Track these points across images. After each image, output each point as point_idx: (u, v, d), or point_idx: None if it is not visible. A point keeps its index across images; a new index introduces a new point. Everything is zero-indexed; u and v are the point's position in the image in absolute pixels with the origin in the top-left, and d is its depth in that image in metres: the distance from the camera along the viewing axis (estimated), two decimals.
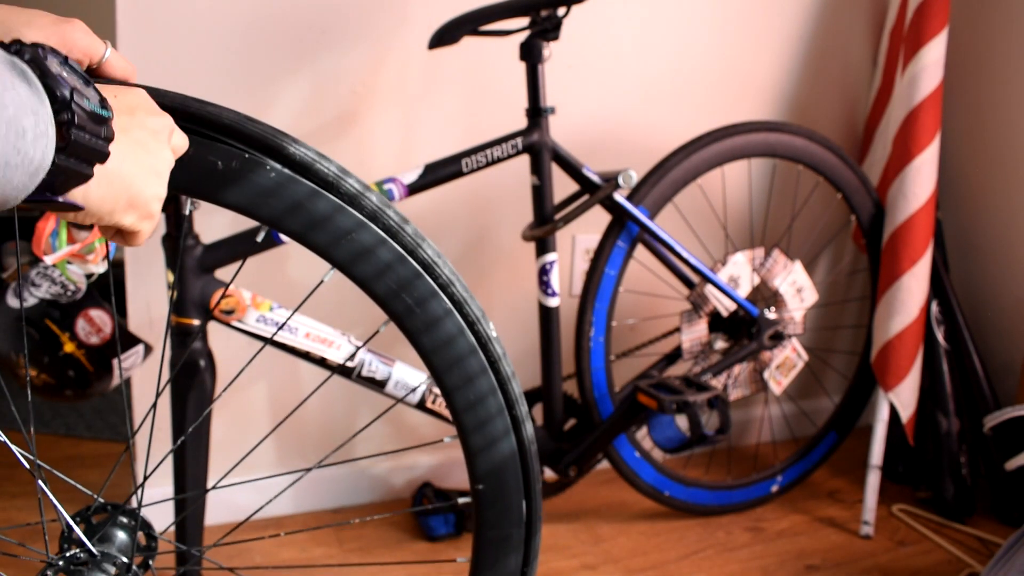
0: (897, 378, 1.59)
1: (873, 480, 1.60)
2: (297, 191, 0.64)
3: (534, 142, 1.33)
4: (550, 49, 1.32)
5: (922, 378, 1.66)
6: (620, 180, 1.36)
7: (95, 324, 1.21)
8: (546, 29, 1.30)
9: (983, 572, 1.16)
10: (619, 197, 1.39)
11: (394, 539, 1.53)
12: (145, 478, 0.73)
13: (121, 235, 0.55)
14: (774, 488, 1.70)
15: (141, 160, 0.52)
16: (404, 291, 0.68)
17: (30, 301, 1.17)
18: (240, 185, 0.63)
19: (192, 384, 1.19)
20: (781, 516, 1.67)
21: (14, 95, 0.40)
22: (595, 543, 1.54)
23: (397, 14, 1.46)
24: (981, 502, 1.69)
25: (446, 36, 1.29)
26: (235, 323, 1.18)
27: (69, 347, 1.20)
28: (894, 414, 1.63)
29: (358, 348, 1.20)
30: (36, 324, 1.19)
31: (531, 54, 1.32)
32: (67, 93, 0.44)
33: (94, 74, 0.61)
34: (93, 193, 0.49)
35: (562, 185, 1.43)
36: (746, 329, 1.53)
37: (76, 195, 0.48)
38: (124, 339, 1.25)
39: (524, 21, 1.33)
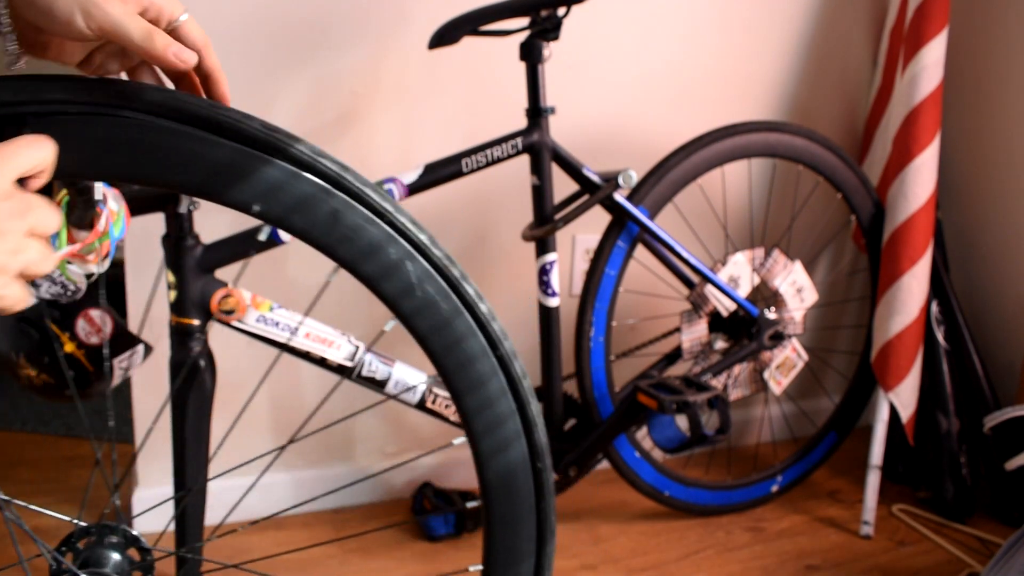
0: (897, 378, 1.59)
1: (873, 480, 1.60)
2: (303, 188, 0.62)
3: (534, 142, 1.33)
4: (550, 49, 1.32)
5: (922, 378, 1.66)
6: (620, 180, 1.36)
7: (95, 324, 1.21)
8: (546, 29, 1.30)
9: (983, 572, 1.16)
10: (619, 197, 1.39)
11: (394, 539, 1.53)
12: (117, 486, 0.72)
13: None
14: (774, 488, 1.70)
15: None
16: (415, 291, 0.67)
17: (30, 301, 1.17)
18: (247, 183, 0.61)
19: (192, 385, 1.19)
20: (781, 516, 1.67)
21: None
22: (595, 543, 1.54)
23: (397, 14, 1.46)
24: (981, 502, 1.69)
25: (446, 36, 1.29)
26: (235, 323, 1.18)
27: (69, 347, 1.19)
28: (894, 414, 1.63)
29: (362, 348, 1.20)
30: (36, 324, 1.19)
31: (531, 54, 1.32)
32: None
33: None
34: None
35: (562, 185, 1.43)
36: (746, 329, 1.53)
37: None
38: (124, 339, 1.24)
39: (524, 21, 1.33)
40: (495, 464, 0.70)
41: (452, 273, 0.68)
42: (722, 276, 1.50)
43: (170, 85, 0.64)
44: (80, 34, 0.54)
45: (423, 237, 0.67)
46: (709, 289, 1.50)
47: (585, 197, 1.39)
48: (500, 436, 0.70)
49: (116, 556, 0.70)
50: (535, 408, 0.71)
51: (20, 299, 0.53)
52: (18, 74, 0.57)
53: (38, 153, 0.54)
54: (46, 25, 0.54)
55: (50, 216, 0.54)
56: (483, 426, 0.69)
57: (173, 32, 0.59)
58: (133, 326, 1.44)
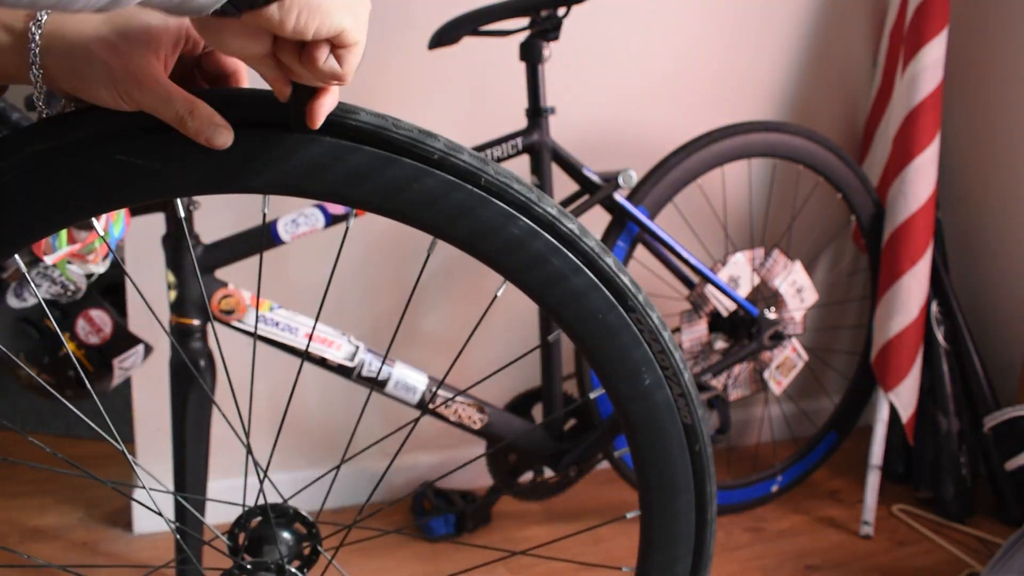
0: (897, 378, 1.59)
1: (873, 480, 1.60)
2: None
3: (534, 142, 1.33)
4: (550, 49, 1.32)
5: (922, 378, 1.66)
6: (620, 180, 1.36)
7: (95, 324, 1.21)
8: (546, 29, 1.31)
9: (983, 572, 1.16)
10: (619, 197, 1.39)
11: (394, 539, 1.53)
12: (267, 468, 0.74)
13: (330, 55, 0.49)
14: (774, 488, 1.70)
15: None
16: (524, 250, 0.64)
17: (30, 301, 1.17)
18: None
19: (192, 384, 1.19)
20: (781, 516, 1.67)
21: None
22: (595, 543, 1.54)
23: (397, 14, 1.46)
24: (981, 502, 1.69)
25: (446, 36, 1.29)
26: (235, 323, 1.18)
27: (69, 347, 1.19)
28: (894, 414, 1.63)
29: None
30: (36, 324, 1.19)
31: (531, 54, 1.32)
32: None
33: (209, 66, 0.60)
34: None
35: (562, 185, 1.43)
36: (746, 329, 1.53)
37: None
38: (124, 339, 1.24)
39: (524, 21, 1.33)
40: (635, 407, 0.69)
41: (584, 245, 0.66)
42: (722, 276, 1.50)
43: None
44: (115, 105, 0.53)
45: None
46: (709, 289, 1.50)
47: (585, 197, 1.39)
48: (638, 383, 0.68)
49: (285, 533, 0.75)
50: (677, 356, 0.69)
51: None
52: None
53: None
54: (89, 96, 0.53)
55: None
56: (618, 374, 0.68)
57: (209, 56, 0.60)
58: (133, 326, 1.44)
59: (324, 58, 0.49)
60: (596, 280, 0.64)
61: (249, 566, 0.72)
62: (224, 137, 0.54)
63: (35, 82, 0.52)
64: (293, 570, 0.74)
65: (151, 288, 1.43)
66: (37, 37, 0.51)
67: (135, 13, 0.53)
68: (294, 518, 0.77)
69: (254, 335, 0.78)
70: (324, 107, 0.54)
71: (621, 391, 0.68)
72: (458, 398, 1.30)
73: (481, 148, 1.29)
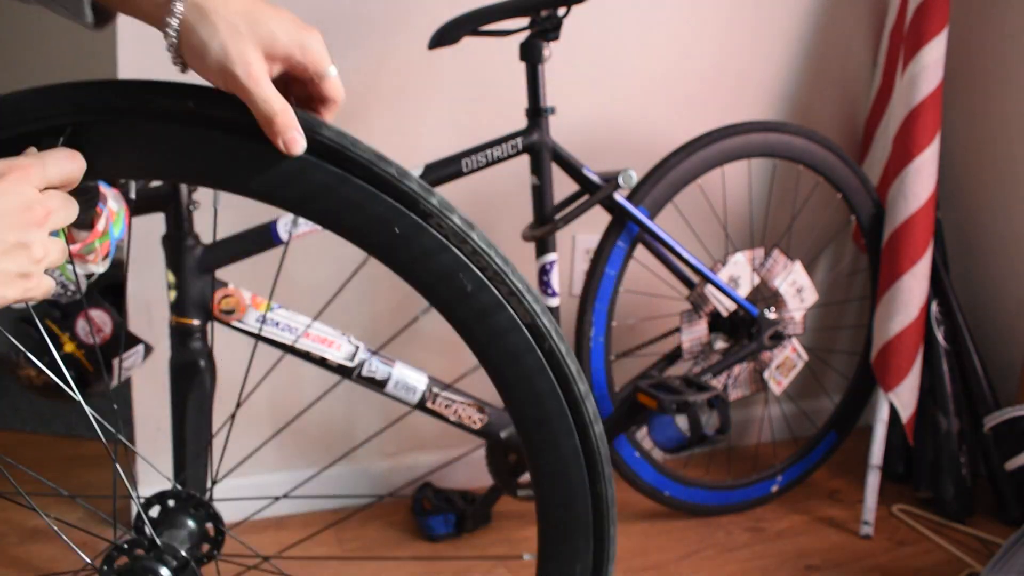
0: (897, 378, 1.59)
1: (873, 480, 1.60)
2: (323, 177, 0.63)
3: (534, 142, 1.33)
4: (550, 49, 1.32)
5: (922, 378, 1.66)
6: (620, 180, 1.36)
7: (95, 324, 1.21)
8: (546, 29, 1.30)
9: (983, 572, 1.16)
10: (619, 197, 1.39)
11: (394, 539, 1.53)
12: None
13: None
14: (774, 488, 1.70)
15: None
16: (453, 279, 0.64)
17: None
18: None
19: (192, 384, 1.19)
20: (781, 516, 1.67)
21: None
22: None
23: (398, 14, 1.46)
24: (981, 502, 1.69)
25: (446, 36, 1.29)
26: (235, 323, 1.18)
27: (69, 347, 1.19)
28: (894, 414, 1.63)
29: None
30: (36, 324, 1.19)
31: (531, 54, 1.32)
32: None
33: (309, 90, 0.63)
34: None
35: (562, 185, 1.43)
36: (746, 329, 1.53)
37: None
38: (124, 339, 1.24)
39: (524, 21, 1.33)
40: (460, 313, 0.67)
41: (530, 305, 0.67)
42: (722, 276, 1.50)
43: None
44: (220, 85, 0.59)
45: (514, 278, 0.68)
46: (709, 289, 1.50)
47: (585, 197, 1.39)
48: (548, 431, 0.67)
49: (192, 526, 0.76)
50: (591, 406, 0.68)
51: (47, 289, 0.57)
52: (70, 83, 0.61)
53: (68, 166, 0.57)
54: (199, 69, 0.59)
55: (67, 212, 0.57)
56: (533, 419, 0.67)
57: (315, 85, 0.63)
58: (134, 326, 1.44)
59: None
60: (374, 190, 0.63)
61: (125, 545, 0.73)
62: (301, 144, 0.61)
63: (171, 33, 0.58)
64: (161, 541, 0.73)
65: (152, 288, 1.43)
66: None
67: (267, 18, 0.58)
68: (187, 501, 0.76)
69: (267, 338, 0.78)
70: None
71: (443, 298, 0.65)
72: (458, 398, 1.30)
73: (481, 148, 1.29)
